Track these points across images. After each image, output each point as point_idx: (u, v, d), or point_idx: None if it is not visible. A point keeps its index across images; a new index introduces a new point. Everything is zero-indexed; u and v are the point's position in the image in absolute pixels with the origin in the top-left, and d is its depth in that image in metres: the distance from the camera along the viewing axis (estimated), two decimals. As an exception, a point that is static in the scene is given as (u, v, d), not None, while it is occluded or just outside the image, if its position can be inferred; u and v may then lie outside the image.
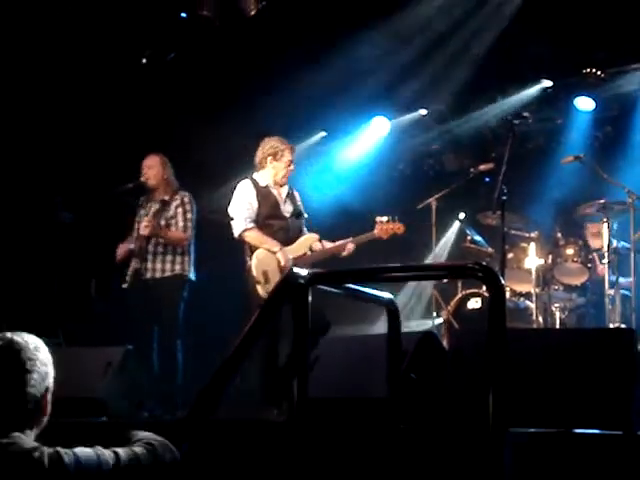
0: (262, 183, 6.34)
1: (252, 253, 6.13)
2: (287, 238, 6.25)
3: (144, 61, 7.93)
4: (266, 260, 6.10)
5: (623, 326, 6.92)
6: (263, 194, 6.29)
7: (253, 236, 6.16)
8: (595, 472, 3.41)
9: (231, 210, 6.27)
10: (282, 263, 6.10)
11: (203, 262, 6.80)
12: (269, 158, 6.37)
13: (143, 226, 6.47)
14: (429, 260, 8.59)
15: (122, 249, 6.58)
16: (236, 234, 6.19)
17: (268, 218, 6.24)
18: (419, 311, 9.56)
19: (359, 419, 4.02)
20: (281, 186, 6.43)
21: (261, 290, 6.02)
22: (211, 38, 7.81)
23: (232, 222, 6.22)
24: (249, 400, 6.43)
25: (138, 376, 5.68)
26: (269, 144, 6.45)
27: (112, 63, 7.93)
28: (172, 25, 7.80)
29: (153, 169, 6.65)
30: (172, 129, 8.21)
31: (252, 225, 6.17)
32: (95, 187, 7.32)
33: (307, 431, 2.72)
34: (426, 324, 8.51)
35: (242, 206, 6.22)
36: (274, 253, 6.13)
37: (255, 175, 6.44)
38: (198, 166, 8.19)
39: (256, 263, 6.09)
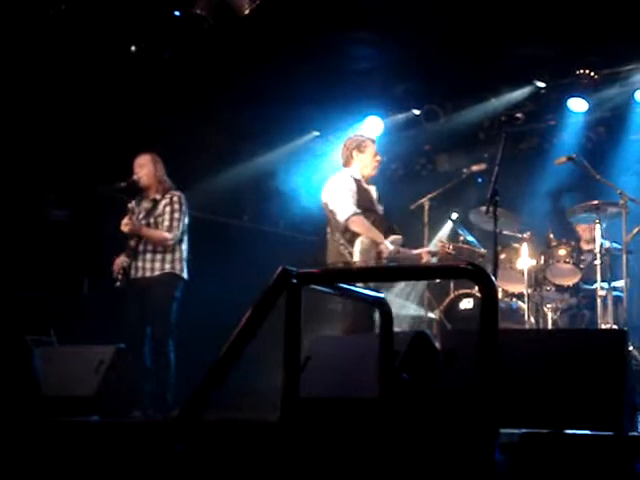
0: (356, 177, 6.34)
1: (350, 240, 6.05)
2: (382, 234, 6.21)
3: (133, 49, 7.88)
4: (369, 248, 6.03)
5: (615, 327, 6.94)
6: (359, 187, 6.28)
7: (360, 222, 6.08)
8: (586, 473, 3.42)
9: (333, 197, 6.20)
10: (384, 254, 6.05)
11: (195, 260, 6.79)
12: (354, 152, 6.39)
13: (123, 223, 6.45)
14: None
15: (118, 263, 6.54)
16: (342, 218, 6.09)
17: (365, 211, 6.19)
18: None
19: (350, 419, 4.02)
20: (367, 182, 6.42)
21: None
22: (204, 37, 7.79)
23: (335, 207, 6.14)
24: (242, 400, 6.44)
25: (130, 375, 5.68)
26: (351, 139, 6.52)
27: (105, 61, 7.91)
28: (165, 23, 7.78)
29: (145, 168, 6.64)
30: (163, 127, 8.19)
31: (360, 211, 6.12)
32: (87, 185, 7.30)
33: (298, 431, 2.72)
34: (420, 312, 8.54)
35: (347, 193, 6.17)
36: (378, 243, 6.07)
37: (342, 171, 6.43)
38: (189, 164, 8.18)
39: (360, 249, 6.00)
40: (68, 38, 7.61)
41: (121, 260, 6.49)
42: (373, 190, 6.45)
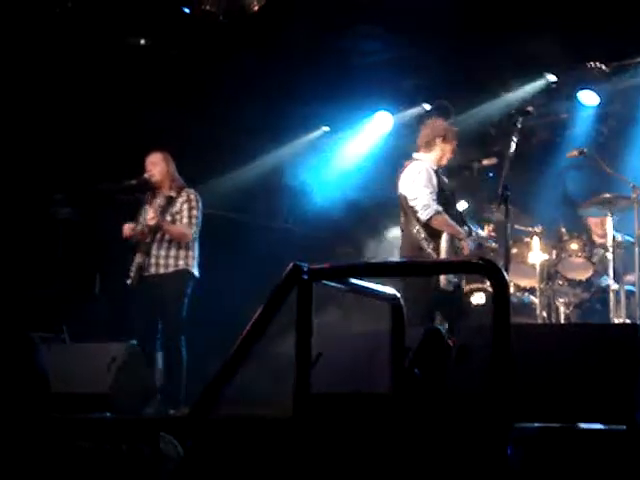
0: (433, 167, 6.15)
1: (432, 235, 5.92)
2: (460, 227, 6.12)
3: (142, 42, 7.88)
4: (452, 245, 5.94)
5: (627, 321, 6.91)
6: (439, 180, 6.11)
7: (443, 221, 5.95)
8: (599, 467, 3.41)
9: (412, 191, 6.03)
10: (465, 252, 5.99)
11: (206, 257, 6.79)
12: (438, 139, 6.20)
13: (149, 217, 6.47)
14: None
15: (128, 227, 6.55)
16: (425, 217, 5.94)
17: (445, 206, 6.05)
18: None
19: (363, 415, 4.02)
20: (443, 171, 6.28)
21: (443, 275, 5.78)
22: (213, 33, 7.79)
23: (416, 204, 5.97)
24: (254, 396, 6.44)
25: (142, 372, 5.69)
26: (439, 123, 6.34)
27: (113, 60, 7.92)
28: (174, 19, 7.78)
29: (157, 165, 6.66)
30: (173, 125, 8.20)
31: (442, 209, 5.97)
32: (97, 183, 7.31)
33: (310, 427, 2.72)
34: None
35: (427, 188, 5.99)
36: (460, 240, 6.00)
37: (418, 156, 6.25)
38: (199, 161, 8.18)
39: (446, 247, 5.90)
40: (76, 37, 7.62)
41: (131, 225, 6.51)
42: (446, 179, 6.28)
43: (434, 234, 5.92)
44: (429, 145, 6.22)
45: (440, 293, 5.86)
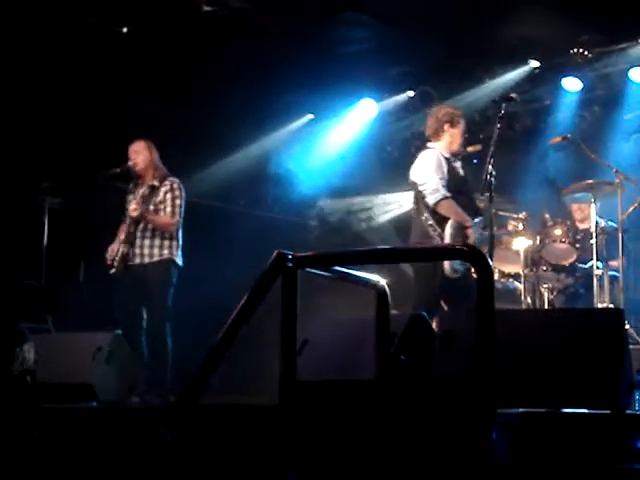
0: (445, 154, 6.11)
1: (439, 222, 5.89)
2: (470, 216, 6.03)
3: (125, 30, 7.85)
4: (457, 232, 5.88)
5: (611, 306, 6.96)
6: (450, 166, 6.07)
7: (449, 206, 5.90)
8: (584, 451, 3.43)
9: (422, 177, 6.01)
10: (470, 240, 5.87)
11: (191, 245, 6.78)
12: (446, 125, 6.17)
13: (132, 208, 6.45)
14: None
15: (111, 251, 6.53)
16: (432, 201, 5.90)
17: (455, 192, 6.01)
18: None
19: (348, 401, 4.03)
20: (456, 158, 6.23)
21: (447, 262, 5.71)
22: (196, 20, 7.77)
23: (424, 189, 5.95)
24: (240, 384, 6.45)
25: (128, 361, 5.69)
26: (443, 110, 6.30)
27: (99, 48, 7.88)
28: (159, 7, 7.75)
29: (141, 154, 6.63)
30: (157, 113, 8.16)
31: (450, 195, 5.93)
32: (83, 172, 7.28)
33: (296, 414, 2.73)
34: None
35: (436, 174, 5.95)
36: (466, 228, 5.92)
37: (430, 145, 6.22)
38: (183, 150, 8.15)
39: (450, 233, 5.86)
40: (61, 25, 7.58)
41: (116, 247, 6.48)
42: (460, 167, 6.26)
43: (442, 221, 5.90)
44: (437, 133, 6.21)
45: (444, 280, 5.84)
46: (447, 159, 6.10)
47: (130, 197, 6.64)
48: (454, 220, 5.91)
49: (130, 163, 6.61)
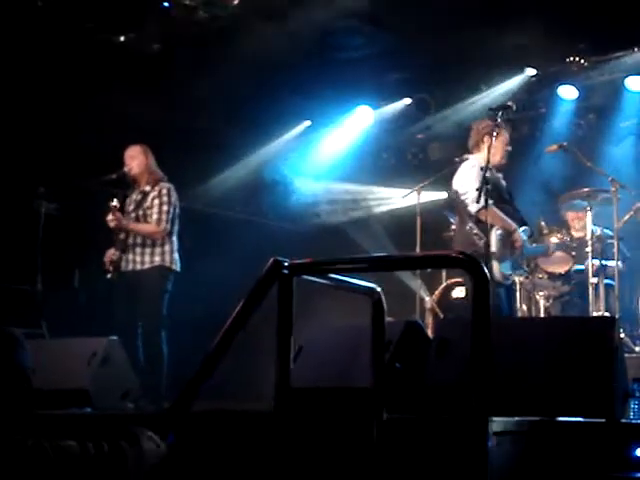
0: (485, 165, 6.06)
1: (484, 230, 5.86)
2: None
3: (122, 39, 7.85)
4: (504, 239, 5.94)
5: (607, 314, 6.96)
6: (492, 177, 6.03)
7: (492, 213, 5.92)
8: (579, 459, 3.43)
9: (463, 186, 6.06)
10: (517, 244, 5.98)
11: (187, 252, 6.77)
12: (485, 137, 6.18)
13: (108, 219, 6.41)
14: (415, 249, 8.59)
15: (109, 255, 6.51)
16: (474, 209, 5.91)
17: (498, 202, 6.03)
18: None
19: (343, 408, 4.03)
20: (498, 170, 6.25)
21: (496, 268, 5.80)
22: (193, 27, 7.77)
23: (466, 197, 5.99)
24: (235, 390, 6.44)
25: (123, 367, 5.67)
26: (484, 123, 6.32)
27: (95, 53, 7.88)
28: (154, 13, 7.75)
29: (136, 159, 6.62)
30: (153, 120, 8.17)
31: (492, 202, 5.91)
32: (78, 178, 7.28)
33: (291, 421, 2.72)
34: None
35: (479, 183, 5.87)
36: (512, 232, 5.99)
37: (471, 157, 6.27)
38: (180, 156, 8.15)
39: (496, 240, 5.90)
40: (56, 32, 7.58)
41: (111, 253, 6.47)
42: (501, 178, 6.26)
43: (486, 230, 5.89)
44: (478, 145, 6.27)
45: (495, 286, 5.79)
46: (490, 169, 6.03)
47: (127, 202, 6.63)
48: (499, 227, 5.95)
49: (125, 169, 6.59)
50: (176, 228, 6.61)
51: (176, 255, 6.55)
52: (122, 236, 6.47)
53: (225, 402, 5.35)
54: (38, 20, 7.41)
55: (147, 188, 6.57)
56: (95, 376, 5.39)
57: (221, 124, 9.08)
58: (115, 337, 5.71)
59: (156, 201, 6.50)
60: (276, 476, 2.70)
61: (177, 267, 6.53)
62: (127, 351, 5.89)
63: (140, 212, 6.50)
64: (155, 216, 6.46)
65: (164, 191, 6.54)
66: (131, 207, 6.55)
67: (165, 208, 6.48)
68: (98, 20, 7.69)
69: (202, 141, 8.87)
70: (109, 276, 6.42)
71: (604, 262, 7.19)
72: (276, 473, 2.70)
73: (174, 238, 6.57)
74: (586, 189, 7.21)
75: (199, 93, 8.54)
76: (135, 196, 6.61)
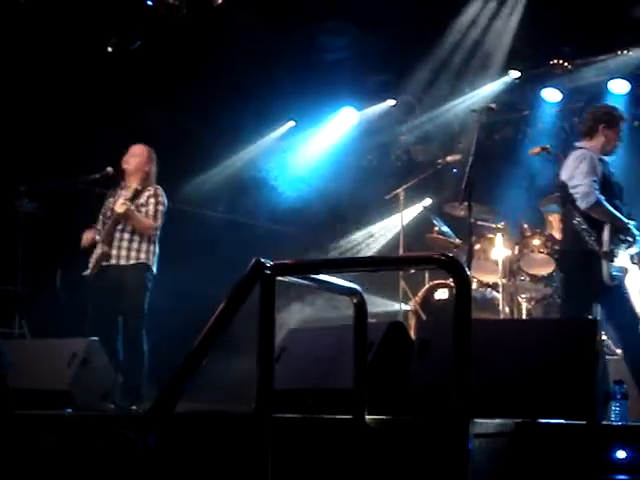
0: (598, 155, 5.77)
1: (593, 225, 5.56)
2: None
3: (110, 50, 7.83)
4: (615, 237, 5.59)
5: (588, 317, 6.98)
6: (604, 169, 5.73)
7: (603, 209, 5.58)
8: (559, 461, 3.44)
9: (573, 179, 5.67)
10: (630, 239, 5.64)
11: (171, 251, 6.74)
12: (602, 125, 5.83)
13: (119, 203, 6.36)
14: (397, 250, 8.60)
15: (88, 235, 6.48)
16: (584, 206, 5.56)
17: (610, 195, 5.67)
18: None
19: (325, 410, 4.02)
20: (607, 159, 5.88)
21: (606, 270, 5.50)
22: (177, 27, 7.75)
23: (575, 191, 5.61)
24: (216, 392, 6.42)
25: (103, 367, 5.65)
26: (602, 109, 6.00)
27: (80, 53, 7.84)
28: (138, 13, 7.72)
29: (136, 158, 6.58)
30: (138, 119, 8.15)
31: (603, 198, 5.59)
32: (61, 177, 7.24)
33: (272, 422, 2.71)
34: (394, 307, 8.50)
35: (590, 176, 5.59)
36: (625, 230, 5.63)
37: (581, 144, 5.89)
38: (165, 156, 8.12)
39: (607, 239, 5.54)
40: (40, 30, 7.54)
41: (91, 236, 6.42)
42: (611, 167, 5.90)
43: (595, 225, 5.60)
44: (591, 132, 5.88)
45: (603, 288, 5.57)
46: (600, 160, 5.78)
47: (111, 200, 6.58)
48: (609, 224, 5.59)
49: (123, 161, 6.56)
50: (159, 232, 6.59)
51: (156, 257, 6.53)
52: (111, 229, 6.43)
53: (206, 403, 5.33)
54: (19, 18, 7.36)
55: (139, 187, 6.53)
56: (76, 377, 5.37)
57: (205, 124, 9.06)
58: (95, 338, 5.68)
59: (152, 200, 6.49)
60: (257, 478, 2.69)
61: (155, 269, 6.51)
62: (108, 350, 5.86)
63: (132, 208, 6.46)
64: (152, 212, 6.47)
65: (160, 192, 6.55)
66: (123, 198, 6.51)
67: (160, 208, 6.50)
68: (85, 23, 7.66)
69: (185, 141, 8.84)
70: (87, 272, 6.36)
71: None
72: (257, 475, 2.69)
73: (157, 240, 6.55)
74: (568, 192, 7.22)
75: (183, 93, 8.53)
76: (123, 192, 6.56)
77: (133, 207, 6.42)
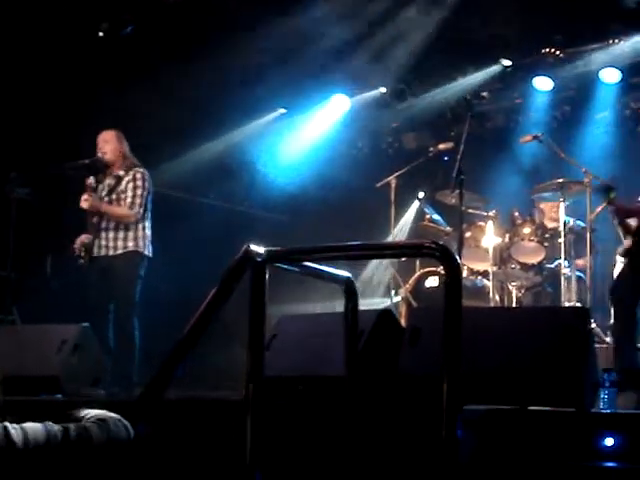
0: None
1: None
2: None
3: (100, 34, 7.79)
4: None
5: (578, 305, 7.01)
6: None
7: None
8: (548, 449, 3.46)
9: None
10: None
11: (160, 238, 6.73)
12: None
13: (83, 199, 6.37)
14: (389, 238, 8.61)
15: (80, 241, 6.46)
16: None
17: None
18: (380, 290, 9.58)
19: (316, 397, 4.03)
20: None
21: None
22: (166, 13, 7.72)
23: None
24: (206, 378, 6.43)
25: (94, 354, 5.64)
26: None
27: (65, 38, 7.80)
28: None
29: (110, 144, 6.57)
30: (128, 105, 8.10)
31: None
32: (50, 163, 7.21)
33: (263, 410, 2.72)
34: (385, 302, 8.53)
35: None
36: None
37: None
38: (155, 142, 8.10)
39: None
40: (26, 15, 7.49)
41: (83, 238, 6.42)
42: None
43: None
44: None
45: None
46: None
47: (99, 187, 6.57)
48: None
49: (99, 153, 6.54)
50: (149, 214, 6.57)
51: (149, 241, 6.51)
52: (95, 219, 6.42)
53: (197, 390, 5.33)
54: (8, 7, 7.32)
55: (121, 173, 6.52)
56: (65, 363, 5.36)
57: (195, 110, 9.02)
58: (87, 324, 5.67)
59: (130, 184, 6.46)
60: (247, 468, 2.69)
61: (149, 253, 6.49)
62: (98, 337, 5.86)
63: (114, 196, 6.45)
64: (129, 200, 6.42)
65: (138, 175, 6.49)
66: (104, 192, 6.50)
67: (139, 192, 6.43)
68: (71, 7, 7.61)
69: (176, 126, 8.81)
70: (81, 262, 6.36)
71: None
72: (247, 464, 2.70)
73: (147, 223, 6.52)
74: (559, 180, 7.25)
75: (173, 79, 8.49)
76: (109, 181, 6.55)
77: (114, 196, 6.39)
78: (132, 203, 6.41)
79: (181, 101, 8.74)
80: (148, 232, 6.51)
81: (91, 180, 6.50)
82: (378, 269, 9.53)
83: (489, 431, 3.48)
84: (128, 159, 6.58)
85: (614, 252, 6.53)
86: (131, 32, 7.95)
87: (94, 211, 6.41)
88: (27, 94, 7.88)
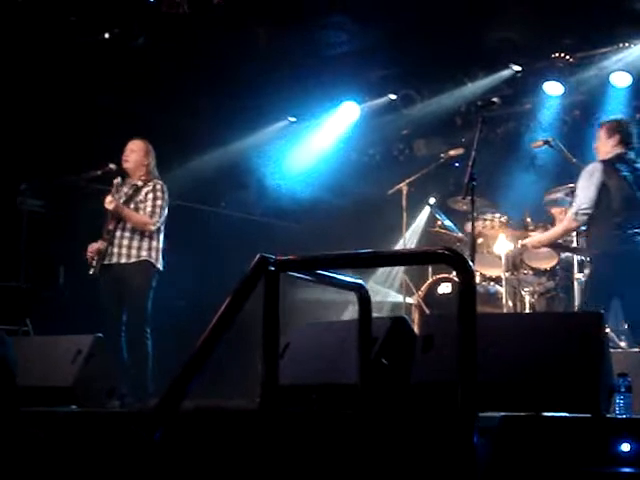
0: None
1: None
2: None
3: (106, 36, 7.81)
4: None
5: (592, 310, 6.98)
6: None
7: None
8: (564, 455, 3.44)
9: None
10: None
11: (173, 248, 6.74)
12: None
13: (107, 200, 6.37)
14: (400, 245, 8.61)
15: (93, 246, 6.47)
16: None
17: None
18: (395, 286, 9.59)
19: (330, 405, 4.02)
20: None
21: None
22: (178, 23, 7.74)
23: None
24: (222, 388, 6.43)
25: (108, 364, 5.65)
26: None
27: (78, 48, 7.84)
28: (139, 9, 7.72)
29: (135, 154, 6.58)
30: (140, 114, 8.14)
31: None
32: (63, 174, 7.24)
33: (278, 418, 2.72)
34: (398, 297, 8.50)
35: None
36: None
37: None
38: (166, 151, 8.12)
39: None
40: (40, 26, 7.53)
41: (97, 244, 6.42)
42: None
43: None
44: None
45: None
46: None
47: (116, 196, 6.57)
48: None
49: (123, 159, 6.56)
50: (163, 227, 6.57)
51: (160, 254, 6.51)
52: (112, 226, 6.43)
53: (212, 400, 5.33)
54: (18, 16, 7.36)
55: (139, 183, 6.53)
56: (80, 374, 5.36)
57: (206, 119, 9.05)
58: (100, 335, 5.68)
59: (150, 195, 6.47)
60: (263, 473, 2.69)
61: (160, 266, 6.49)
62: (112, 348, 5.87)
63: (132, 205, 6.46)
64: (149, 209, 6.44)
65: (158, 187, 6.51)
66: (121, 200, 6.51)
67: (159, 202, 6.46)
68: (81, 14, 7.65)
69: (187, 136, 8.84)
70: (91, 271, 6.37)
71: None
72: (263, 471, 2.70)
73: (161, 236, 6.53)
74: (571, 185, 7.22)
75: (185, 89, 8.52)
76: (126, 189, 6.57)
77: (132, 205, 6.41)
78: (152, 212, 6.43)
79: (195, 112, 8.77)
80: (161, 245, 6.51)
81: (118, 180, 6.51)
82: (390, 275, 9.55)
83: (505, 438, 3.47)
84: (150, 173, 6.58)
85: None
86: (142, 44, 7.97)
87: (116, 214, 6.40)
88: (37, 105, 7.92)
